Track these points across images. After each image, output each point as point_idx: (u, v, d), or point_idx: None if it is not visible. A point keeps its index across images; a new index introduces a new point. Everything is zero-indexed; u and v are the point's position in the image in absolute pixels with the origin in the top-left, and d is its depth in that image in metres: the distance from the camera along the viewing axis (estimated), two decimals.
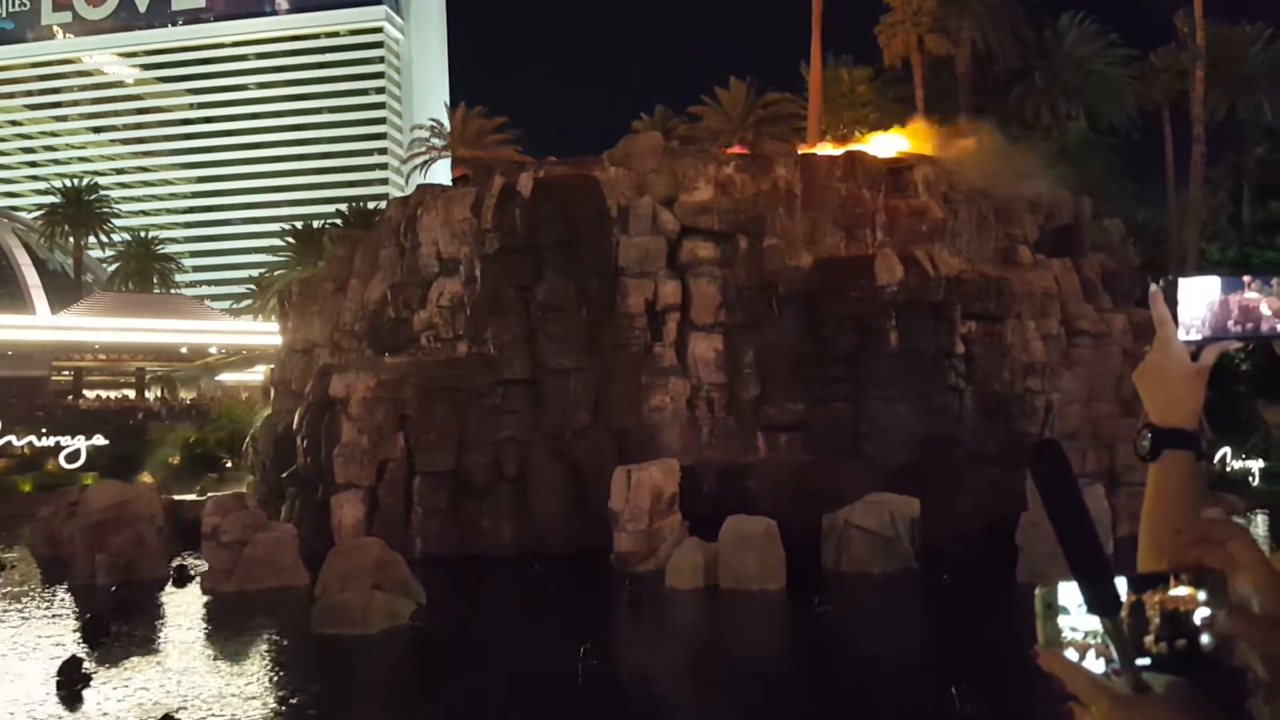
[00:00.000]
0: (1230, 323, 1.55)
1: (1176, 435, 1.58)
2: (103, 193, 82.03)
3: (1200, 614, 1.21)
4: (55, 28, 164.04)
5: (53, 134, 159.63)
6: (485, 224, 29.43)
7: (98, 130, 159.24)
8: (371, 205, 67.95)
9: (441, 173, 63.30)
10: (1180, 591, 1.22)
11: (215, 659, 16.80)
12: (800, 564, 21.35)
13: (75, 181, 78.45)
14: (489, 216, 29.38)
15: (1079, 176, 38.71)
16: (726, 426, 28.15)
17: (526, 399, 27.72)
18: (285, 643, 17.90)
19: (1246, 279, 1.55)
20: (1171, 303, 1.56)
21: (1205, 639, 1.20)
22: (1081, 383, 28.77)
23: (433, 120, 65.19)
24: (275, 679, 15.39)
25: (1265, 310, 1.54)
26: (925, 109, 46.65)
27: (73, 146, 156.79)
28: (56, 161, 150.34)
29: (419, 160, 62.65)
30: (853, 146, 34.79)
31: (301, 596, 19.94)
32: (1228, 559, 1.23)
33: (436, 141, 61.60)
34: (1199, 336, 1.56)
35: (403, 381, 27.20)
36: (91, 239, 76.32)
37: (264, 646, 17.82)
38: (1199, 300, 1.55)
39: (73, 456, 41.40)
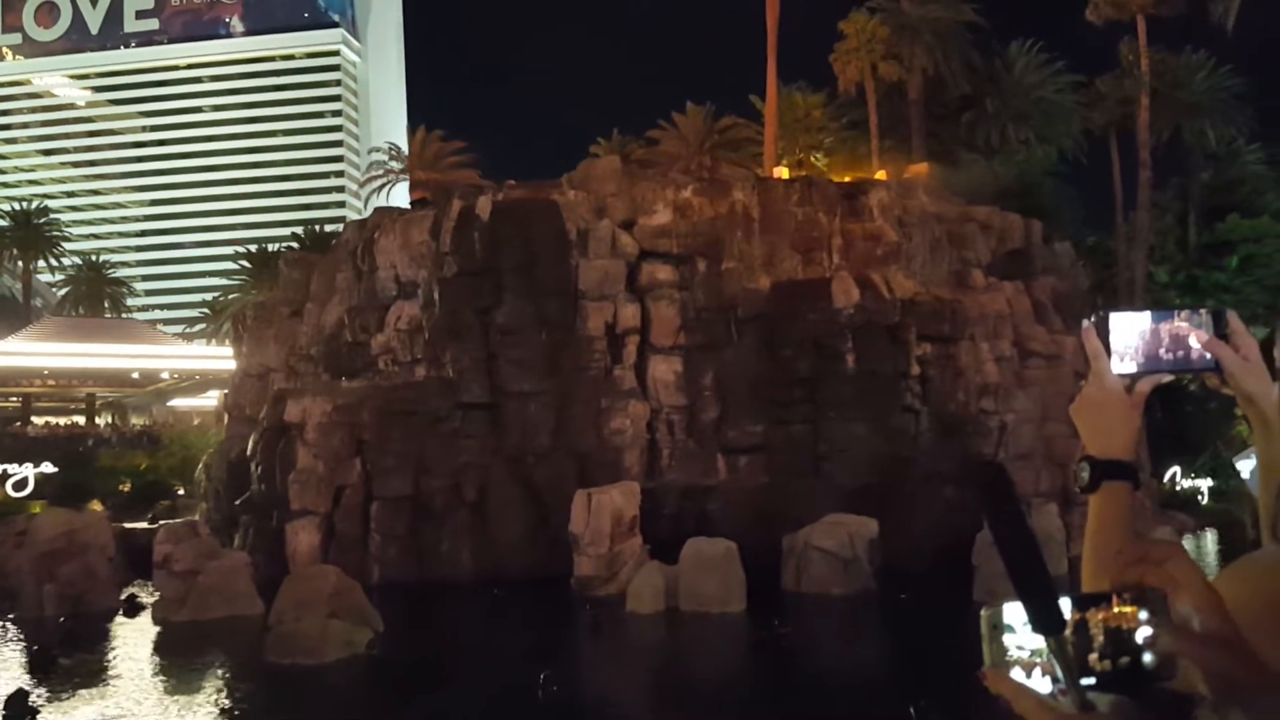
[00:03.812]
0: (1162, 350, 1.59)
1: (1114, 467, 1.61)
2: (53, 216, 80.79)
3: (1143, 632, 1.23)
4: (5, 49, 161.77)
5: (1, 156, 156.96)
6: (444, 247, 29.34)
7: (48, 153, 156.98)
8: (328, 228, 67.53)
9: (400, 196, 62.98)
10: (1123, 610, 1.24)
11: (167, 691, 16.46)
12: (761, 585, 21.37)
13: (24, 204, 77.17)
14: (447, 239, 29.29)
15: (1029, 200, 39.42)
16: (687, 449, 28.19)
17: (486, 423, 27.57)
18: (239, 673, 17.56)
19: (1176, 312, 1.59)
20: (1104, 335, 1.59)
21: (1148, 657, 1.23)
22: (1035, 403, 29.16)
23: (390, 143, 64.94)
24: (228, 711, 15.09)
25: (1193, 343, 1.58)
26: (879, 134, 47.34)
27: (22, 169, 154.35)
28: (5, 184, 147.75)
29: (377, 183, 62.30)
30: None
31: (255, 626, 19.59)
32: (1167, 578, 1.25)
33: (394, 164, 61.30)
34: (1133, 365, 1.60)
35: (360, 406, 26.95)
36: (41, 263, 75.12)
37: (217, 677, 17.48)
38: (1131, 330, 1.59)
39: (20, 484, 40.47)
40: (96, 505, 35.33)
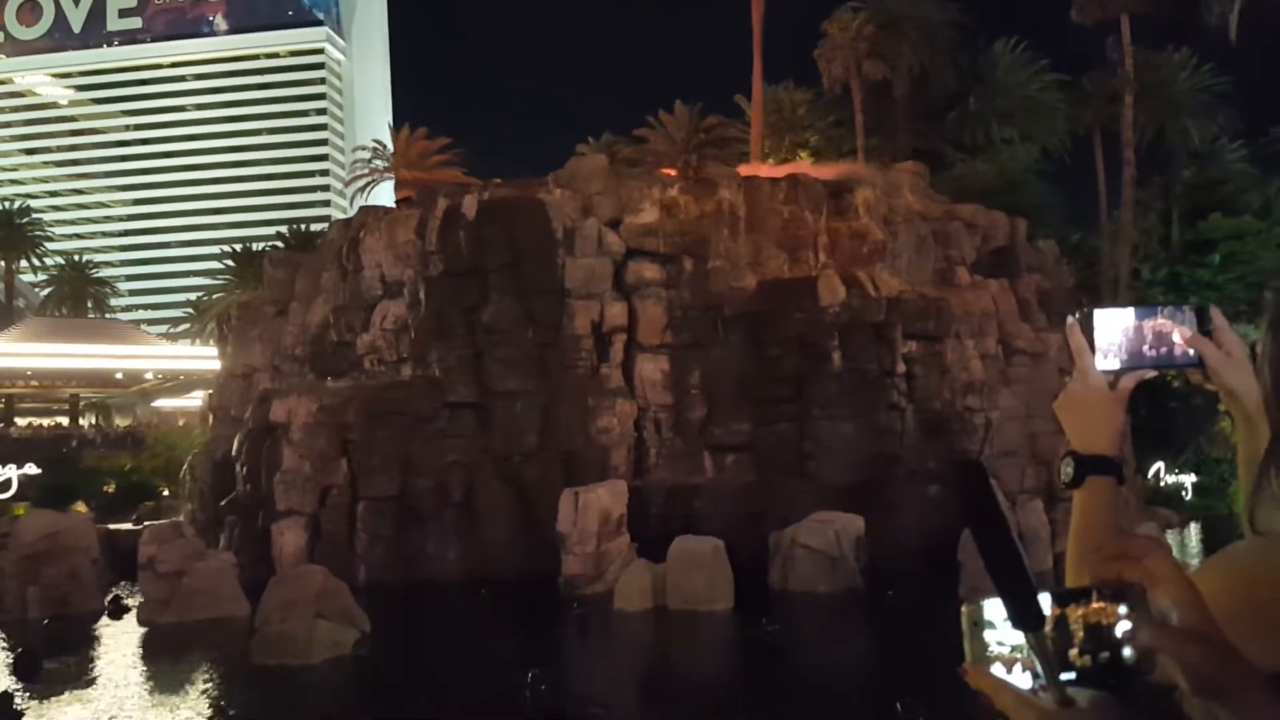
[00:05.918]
0: (1145, 347, 1.60)
1: (1098, 462, 1.62)
2: (35, 215, 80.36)
3: (1122, 627, 1.24)
4: None
5: None
6: (429, 246, 29.27)
7: (31, 152, 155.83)
8: (313, 227, 67.32)
9: (385, 194, 62.80)
10: (1103, 605, 1.24)
11: (152, 693, 16.38)
12: (748, 584, 21.41)
13: (7, 204, 76.67)
14: (433, 238, 29.22)
15: (1014, 198, 39.60)
16: (674, 447, 28.21)
17: (472, 422, 27.53)
18: (225, 675, 17.49)
19: (1160, 309, 1.60)
20: (1088, 332, 1.60)
21: (1127, 652, 1.23)
22: (1020, 400, 29.29)
23: (375, 141, 64.74)
24: (214, 713, 15.03)
25: (1176, 339, 1.59)
26: (865, 132, 47.48)
27: (4, 169, 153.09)
28: None
29: (362, 182, 62.12)
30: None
31: (241, 627, 19.52)
32: (1146, 573, 1.26)
33: (379, 163, 61.13)
34: (1117, 362, 1.61)
35: (345, 405, 26.87)
36: (24, 263, 74.70)
37: (203, 679, 17.39)
38: (1115, 327, 1.60)
39: (3, 486, 40.22)
40: (81, 507, 35.14)
